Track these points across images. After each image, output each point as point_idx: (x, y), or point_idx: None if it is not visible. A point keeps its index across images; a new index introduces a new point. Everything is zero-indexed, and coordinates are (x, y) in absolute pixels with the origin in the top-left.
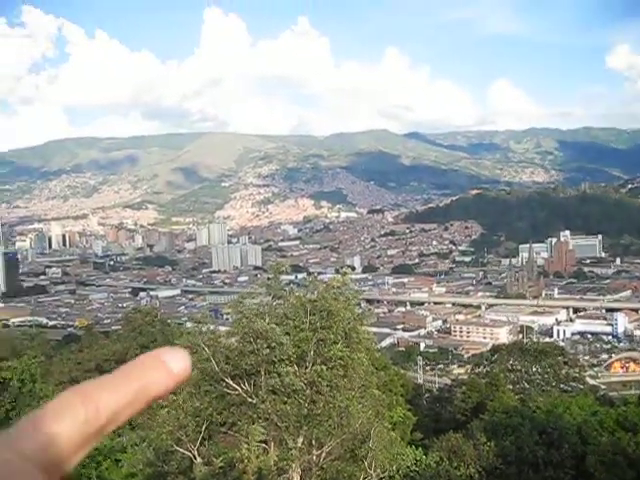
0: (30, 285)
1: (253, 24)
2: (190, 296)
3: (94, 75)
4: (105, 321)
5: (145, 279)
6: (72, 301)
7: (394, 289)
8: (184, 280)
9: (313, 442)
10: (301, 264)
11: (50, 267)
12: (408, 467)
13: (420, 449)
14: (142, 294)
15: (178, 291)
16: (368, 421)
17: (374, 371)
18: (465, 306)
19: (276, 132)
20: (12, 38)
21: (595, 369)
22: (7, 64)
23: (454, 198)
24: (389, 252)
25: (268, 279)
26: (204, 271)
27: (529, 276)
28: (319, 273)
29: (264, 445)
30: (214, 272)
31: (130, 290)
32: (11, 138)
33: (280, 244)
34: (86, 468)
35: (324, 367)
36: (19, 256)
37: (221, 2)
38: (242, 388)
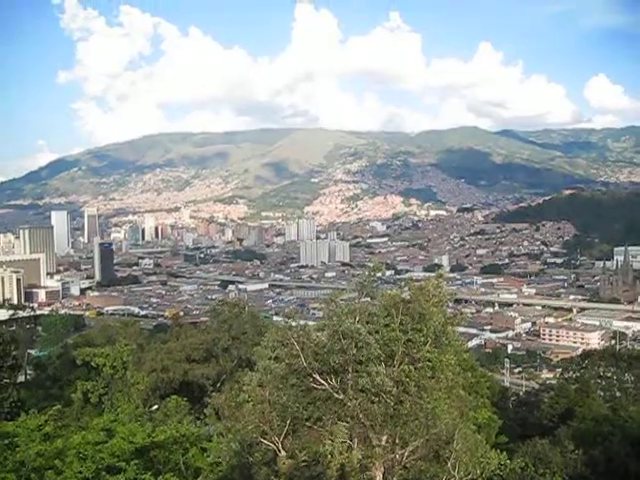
0: (124, 275)
1: (344, 20)
2: (277, 290)
3: (188, 72)
4: (194, 312)
5: (234, 272)
6: (163, 292)
7: (482, 289)
8: (272, 274)
9: (397, 441)
10: (389, 261)
11: (143, 258)
12: (492, 471)
13: (505, 453)
14: (231, 287)
15: (266, 285)
16: (453, 422)
17: (461, 372)
18: (555, 309)
19: (366, 128)
20: (111, 37)
21: None
22: (105, 62)
23: (547, 198)
24: (478, 252)
25: (368, 277)
26: (292, 266)
27: (624, 280)
28: (407, 271)
29: (348, 442)
30: (302, 267)
31: (219, 282)
32: (108, 133)
33: (368, 241)
34: (173, 454)
35: (412, 367)
36: (114, 247)
37: None
38: (329, 384)
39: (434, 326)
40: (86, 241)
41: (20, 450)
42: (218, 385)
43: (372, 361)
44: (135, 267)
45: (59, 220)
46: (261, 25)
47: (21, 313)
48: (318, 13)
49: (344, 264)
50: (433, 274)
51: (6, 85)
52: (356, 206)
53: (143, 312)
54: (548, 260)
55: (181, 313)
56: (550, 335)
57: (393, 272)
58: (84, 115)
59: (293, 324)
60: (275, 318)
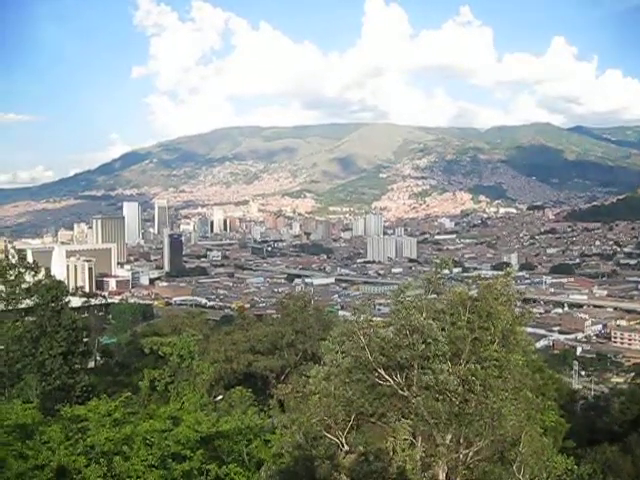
0: (192, 266)
1: (414, 14)
2: (344, 285)
3: (258, 66)
4: (260, 304)
5: (300, 266)
6: (230, 284)
7: (552, 289)
8: (338, 269)
9: (461, 440)
10: (457, 259)
11: (211, 250)
12: (559, 476)
13: (572, 458)
14: (297, 280)
15: (332, 279)
16: (520, 424)
17: (529, 373)
18: (628, 311)
19: (435, 124)
20: (183, 32)
21: None
22: (177, 57)
23: (621, 197)
24: (548, 251)
25: (435, 273)
26: (358, 261)
27: None
28: (474, 268)
29: (411, 439)
30: (368, 262)
31: (286, 276)
32: (179, 126)
33: (436, 237)
34: (237, 444)
35: (478, 366)
36: (183, 238)
37: None
38: (394, 380)
39: (502, 325)
40: (156, 232)
41: (91, 434)
42: (282, 378)
43: (438, 358)
44: (203, 259)
45: (130, 211)
46: (331, 20)
47: (92, 301)
48: (388, 8)
49: (411, 260)
50: (501, 272)
51: (82, 81)
52: (424, 202)
53: (210, 303)
54: (621, 261)
55: (247, 305)
56: (622, 338)
57: (461, 269)
58: (156, 109)
59: (361, 318)
60: (341, 313)
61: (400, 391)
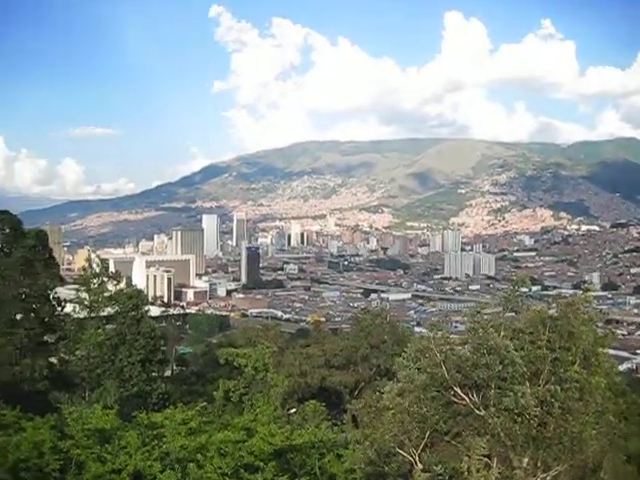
0: (269, 279)
1: (494, 28)
2: (420, 301)
3: (337, 81)
4: (336, 318)
5: (377, 281)
6: (306, 297)
7: (635, 310)
8: (415, 284)
9: (539, 464)
10: (536, 276)
11: (288, 263)
12: None
13: None
14: (373, 295)
15: (409, 295)
16: (602, 450)
17: (611, 396)
18: None
19: (515, 139)
20: (263, 48)
21: None
22: (257, 72)
23: None
24: (632, 270)
25: (514, 291)
26: (435, 277)
27: None
28: (554, 287)
29: (487, 460)
30: (445, 279)
31: (362, 291)
32: (258, 140)
33: (515, 254)
34: (310, 458)
35: (558, 388)
36: (260, 251)
37: (462, 7)
38: (470, 399)
39: (583, 345)
40: (234, 244)
41: (166, 441)
42: (355, 393)
43: (517, 379)
44: (280, 272)
45: (209, 223)
46: (410, 34)
47: (171, 311)
48: (468, 22)
49: (489, 277)
50: (581, 291)
51: (165, 95)
52: (503, 218)
53: (286, 316)
54: None
55: (323, 319)
56: None
57: (540, 287)
58: (236, 123)
59: (438, 334)
60: (417, 329)
61: (476, 411)
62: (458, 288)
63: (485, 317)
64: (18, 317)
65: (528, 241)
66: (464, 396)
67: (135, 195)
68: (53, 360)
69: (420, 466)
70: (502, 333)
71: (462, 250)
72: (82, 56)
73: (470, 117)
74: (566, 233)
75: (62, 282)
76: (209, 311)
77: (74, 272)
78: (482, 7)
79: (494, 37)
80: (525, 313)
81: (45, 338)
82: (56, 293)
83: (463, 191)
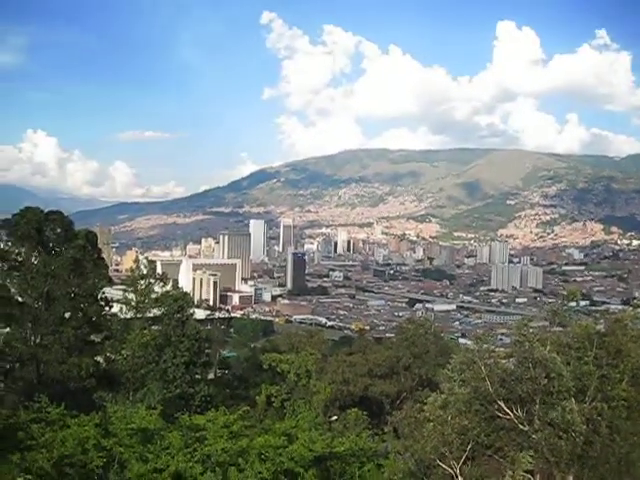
0: (314, 285)
1: (547, 38)
2: (465, 312)
3: (387, 89)
4: (380, 327)
5: (422, 291)
6: (351, 305)
7: None
8: (461, 295)
9: None
10: (584, 291)
11: (333, 270)
12: None
13: None
14: (418, 305)
15: (454, 306)
16: None
17: None
18: None
19: (567, 151)
20: (314, 55)
21: None
22: (308, 79)
23: None
24: None
25: (561, 305)
26: (482, 288)
27: None
28: (603, 302)
29: (529, 476)
30: (492, 290)
31: (407, 300)
32: (308, 147)
33: (563, 268)
34: (350, 466)
35: (605, 405)
36: (306, 257)
37: (515, 16)
38: (514, 414)
39: (632, 363)
40: (280, 250)
41: (208, 444)
42: (397, 402)
43: (563, 394)
44: (325, 278)
45: (256, 228)
46: (462, 44)
47: (216, 314)
48: (520, 31)
49: (536, 290)
50: (631, 307)
51: (217, 101)
52: (552, 231)
53: (330, 323)
54: None
55: (367, 327)
56: None
57: (588, 302)
58: (286, 129)
59: (483, 347)
60: (461, 340)
61: (520, 425)
62: (504, 300)
63: (531, 330)
64: (67, 315)
65: (577, 255)
66: (508, 410)
67: (184, 198)
68: (99, 359)
69: (461, 479)
70: (548, 347)
71: (509, 262)
72: (136, 62)
73: (521, 127)
74: (617, 248)
75: (110, 282)
76: (254, 316)
77: (122, 273)
78: (535, 16)
79: (547, 47)
80: (572, 328)
81: (92, 337)
82: (104, 293)
83: (512, 202)
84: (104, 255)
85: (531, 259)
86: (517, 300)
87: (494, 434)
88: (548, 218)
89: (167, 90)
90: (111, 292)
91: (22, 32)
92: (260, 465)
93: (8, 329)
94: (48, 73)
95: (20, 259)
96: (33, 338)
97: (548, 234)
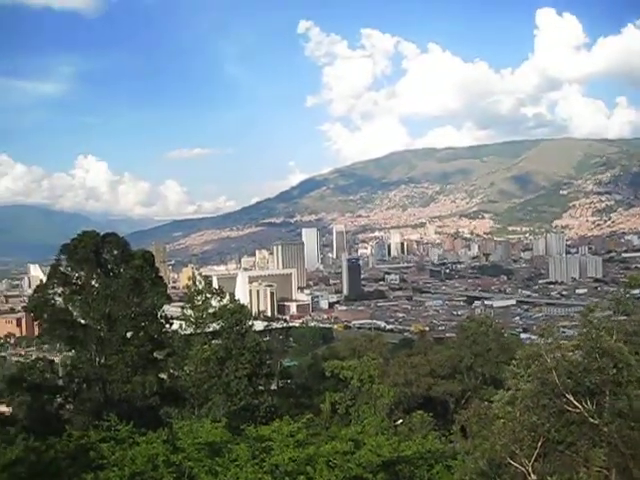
0: (370, 290)
1: (589, 22)
2: (525, 307)
3: (429, 88)
4: (440, 327)
5: (480, 288)
6: (409, 307)
7: None
8: (519, 290)
9: None
10: None
11: (389, 273)
12: None
13: None
14: (476, 302)
15: (513, 301)
16: None
17: None
18: None
19: (618, 135)
20: (353, 60)
21: None
22: (349, 84)
23: None
24: None
25: (624, 293)
26: (540, 282)
27: None
28: None
29: (605, 472)
30: (550, 283)
31: (465, 298)
32: (354, 152)
33: (623, 255)
34: (418, 469)
35: None
36: (361, 262)
37: (554, 3)
38: (584, 407)
39: None
40: (334, 257)
41: (275, 454)
42: (462, 402)
43: (632, 384)
44: (381, 282)
45: (309, 237)
46: (501, 36)
47: (274, 325)
48: (561, 18)
49: (596, 280)
50: None
51: (261, 113)
52: (609, 219)
53: (389, 326)
54: None
55: (426, 328)
56: None
57: None
58: (331, 135)
59: (548, 340)
60: (523, 335)
61: (590, 418)
62: (564, 292)
63: (596, 319)
64: (129, 335)
65: (637, 241)
66: (577, 403)
67: (235, 212)
68: (163, 376)
69: (534, 477)
70: (614, 336)
71: (567, 253)
72: (179, 81)
73: (569, 115)
74: None
75: (169, 300)
76: (312, 324)
77: (179, 290)
78: (575, 1)
79: (590, 31)
80: (638, 316)
81: (154, 355)
82: (163, 311)
83: (565, 192)
84: (161, 273)
85: (589, 248)
86: (577, 291)
87: (564, 429)
88: (604, 205)
89: (212, 106)
90: (170, 309)
91: (67, 61)
92: (328, 472)
93: (73, 351)
94: (94, 98)
95: (80, 282)
96: (98, 359)
97: (605, 222)
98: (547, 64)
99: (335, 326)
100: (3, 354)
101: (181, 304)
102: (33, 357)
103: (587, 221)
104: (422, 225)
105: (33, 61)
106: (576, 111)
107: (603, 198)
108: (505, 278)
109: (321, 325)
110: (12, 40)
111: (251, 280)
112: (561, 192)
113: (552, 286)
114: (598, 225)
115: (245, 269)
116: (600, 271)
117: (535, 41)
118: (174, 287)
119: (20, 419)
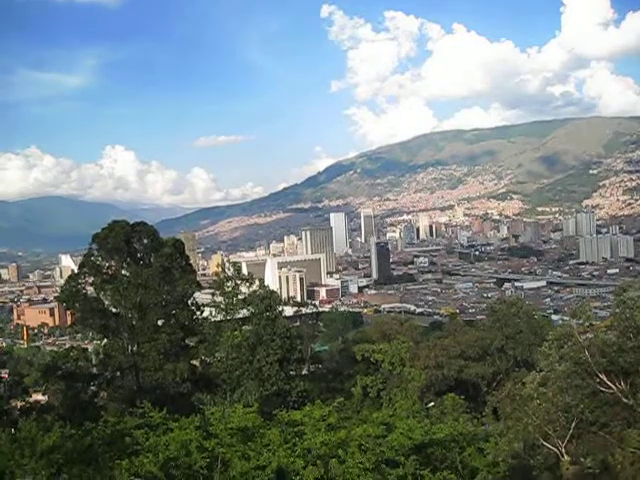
0: (399, 273)
1: None
2: (556, 288)
3: (455, 69)
4: (470, 310)
5: (510, 269)
6: (438, 290)
7: None
8: (549, 271)
9: None
10: None
11: (418, 257)
12: None
13: None
14: (507, 284)
15: (543, 282)
16: None
17: None
18: None
19: None
20: (378, 43)
21: None
22: (374, 68)
23: None
24: None
25: None
26: (571, 262)
27: None
28: None
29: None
30: (581, 264)
31: (494, 280)
32: (381, 135)
33: None
34: (450, 452)
35: None
36: (389, 246)
37: None
38: (617, 387)
39: None
40: (363, 241)
41: (307, 438)
42: (493, 385)
43: None
44: (410, 265)
45: (337, 221)
46: (527, 14)
47: (304, 310)
48: None
49: (628, 260)
50: None
51: (286, 100)
52: None
53: (419, 310)
54: None
55: (457, 311)
56: None
57: None
58: (357, 120)
59: (581, 321)
60: (554, 317)
61: (624, 399)
62: (595, 273)
63: (630, 299)
64: (160, 323)
65: None
66: (610, 384)
67: (263, 198)
68: (195, 363)
69: (567, 458)
70: None
71: (598, 233)
72: (204, 69)
73: (597, 93)
74: None
75: (199, 287)
76: (342, 308)
77: (209, 277)
78: None
79: (618, 6)
80: None
81: (186, 342)
82: (194, 298)
83: (595, 172)
84: (191, 261)
85: (620, 228)
86: (609, 271)
87: (598, 409)
88: (634, 184)
89: (237, 94)
90: (200, 297)
91: (91, 53)
92: (361, 455)
93: (105, 340)
94: (120, 88)
95: (111, 272)
96: (130, 347)
97: (636, 200)
98: (574, 42)
99: (365, 310)
100: (37, 344)
101: (211, 291)
102: (66, 346)
103: (618, 200)
104: (450, 207)
105: (58, 53)
106: (605, 89)
107: (634, 177)
108: (535, 259)
109: (351, 310)
110: (37, 34)
111: (280, 266)
112: (591, 171)
113: (583, 267)
114: (629, 204)
115: (274, 255)
116: (632, 251)
117: (562, 18)
118: (204, 274)
119: (56, 407)
